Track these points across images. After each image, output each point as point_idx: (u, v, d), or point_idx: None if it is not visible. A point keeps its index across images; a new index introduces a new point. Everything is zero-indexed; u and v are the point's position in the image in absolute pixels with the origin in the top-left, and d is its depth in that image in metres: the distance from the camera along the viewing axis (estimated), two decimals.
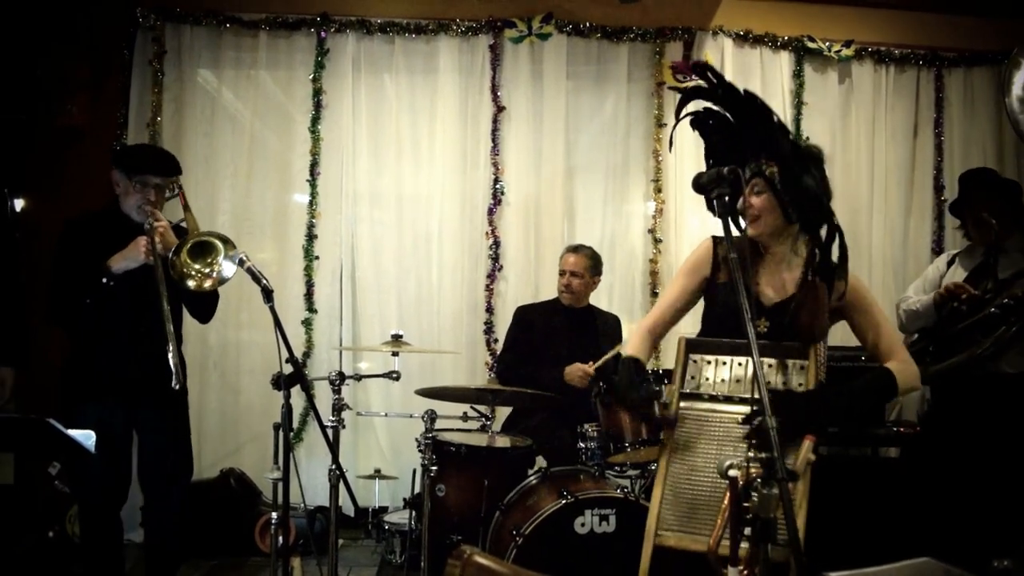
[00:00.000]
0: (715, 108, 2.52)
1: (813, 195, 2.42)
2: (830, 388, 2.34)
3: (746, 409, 2.27)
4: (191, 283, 2.99)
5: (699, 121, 2.56)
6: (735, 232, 2.11)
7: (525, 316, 4.42)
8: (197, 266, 3.00)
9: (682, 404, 2.42)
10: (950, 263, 4.01)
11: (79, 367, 3.13)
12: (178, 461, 3.24)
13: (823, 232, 2.44)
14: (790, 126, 5.13)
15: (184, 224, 3.26)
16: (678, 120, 2.51)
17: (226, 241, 3.02)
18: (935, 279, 3.99)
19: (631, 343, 2.62)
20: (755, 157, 2.46)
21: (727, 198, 2.08)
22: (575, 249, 4.42)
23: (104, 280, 2.98)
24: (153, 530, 3.26)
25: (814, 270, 2.45)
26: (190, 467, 3.33)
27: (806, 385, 2.30)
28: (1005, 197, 3.86)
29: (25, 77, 4.95)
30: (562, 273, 4.36)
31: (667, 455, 2.38)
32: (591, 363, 3.99)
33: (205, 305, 3.30)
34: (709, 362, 2.42)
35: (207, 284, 3.02)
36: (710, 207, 2.13)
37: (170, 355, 2.81)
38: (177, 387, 2.82)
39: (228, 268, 2.99)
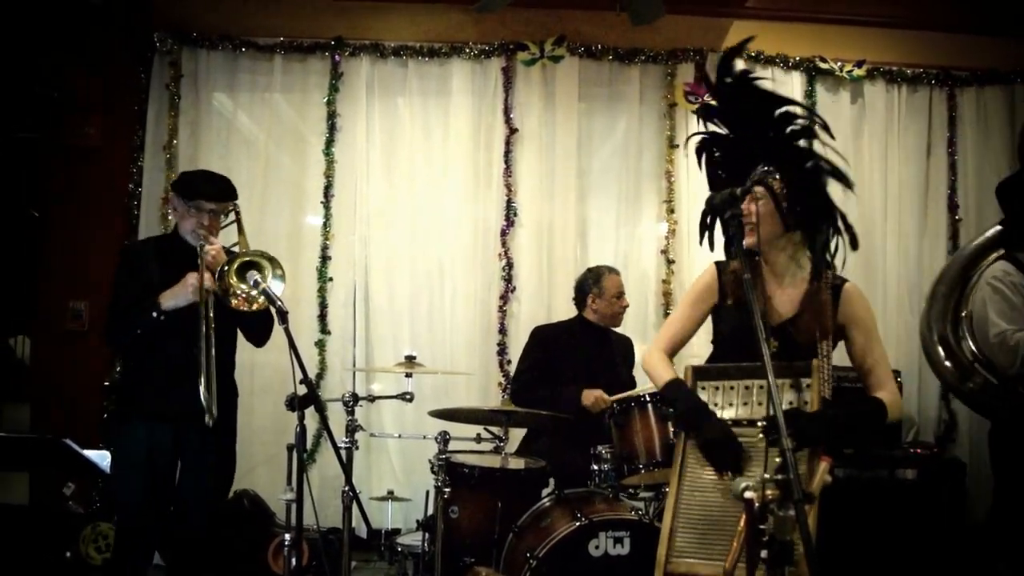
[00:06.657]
0: (719, 131, 2.54)
1: (814, 195, 2.41)
2: (831, 411, 2.30)
3: (757, 432, 2.25)
4: (233, 301, 2.98)
5: (703, 147, 2.58)
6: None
7: (544, 336, 4.39)
8: (243, 286, 2.98)
9: None
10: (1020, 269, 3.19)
11: (130, 388, 3.20)
12: (215, 486, 3.24)
13: (824, 237, 2.43)
14: None
15: (237, 248, 3.28)
16: (688, 139, 2.53)
17: (273, 260, 3.01)
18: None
19: (662, 368, 2.57)
20: (756, 165, 2.46)
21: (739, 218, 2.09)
22: (617, 271, 4.40)
23: (155, 315, 3.02)
24: (177, 551, 3.23)
25: (816, 280, 2.45)
26: (226, 493, 3.32)
27: (811, 403, 2.28)
28: None
29: (41, 98, 5.03)
30: (619, 295, 4.32)
31: (677, 482, 2.36)
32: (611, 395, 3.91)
33: (259, 328, 3.28)
34: (717, 388, 2.41)
35: (255, 307, 3.00)
36: (724, 228, 2.14)
37: (201, 388, 2.85)
38: (210, 423, 2.85)
39: (276, 286, 2.95)
